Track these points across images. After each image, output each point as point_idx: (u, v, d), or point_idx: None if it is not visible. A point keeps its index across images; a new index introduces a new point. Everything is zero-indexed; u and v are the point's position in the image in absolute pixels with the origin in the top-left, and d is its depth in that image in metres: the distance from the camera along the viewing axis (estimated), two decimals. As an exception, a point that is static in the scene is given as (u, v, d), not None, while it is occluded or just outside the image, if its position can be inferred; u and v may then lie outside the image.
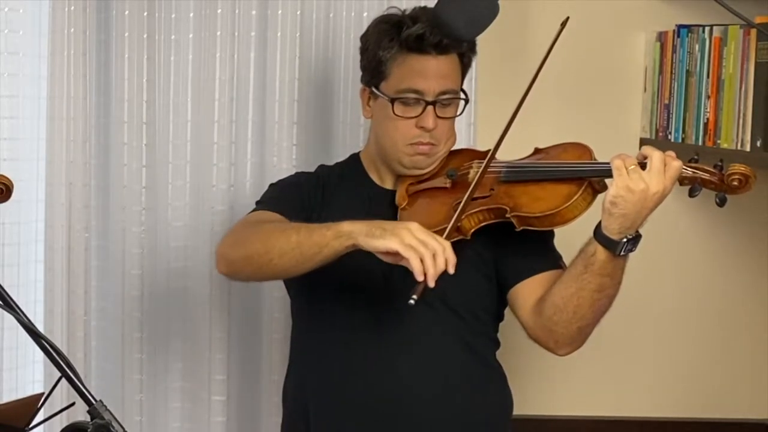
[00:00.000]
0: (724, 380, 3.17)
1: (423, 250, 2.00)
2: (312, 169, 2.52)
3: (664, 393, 3.16)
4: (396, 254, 2.02)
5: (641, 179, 2.03)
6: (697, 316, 3.16)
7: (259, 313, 2.93)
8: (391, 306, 2.27)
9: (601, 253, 2.10)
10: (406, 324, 2.28)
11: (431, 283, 2.00)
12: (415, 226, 2.03)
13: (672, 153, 2.07)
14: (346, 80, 2.87)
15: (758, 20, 2.50)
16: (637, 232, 2.09)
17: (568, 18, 2.27)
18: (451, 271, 2.02)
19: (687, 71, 2.86)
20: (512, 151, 2.31)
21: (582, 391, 3.14)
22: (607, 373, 3.14)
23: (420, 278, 2.00)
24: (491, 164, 2.25)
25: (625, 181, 2.04)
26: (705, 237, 3.13)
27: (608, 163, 2.07)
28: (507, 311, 2.38)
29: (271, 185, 2.48)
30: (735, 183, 2.06)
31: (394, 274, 2.20)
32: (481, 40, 2.35)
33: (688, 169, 2.08)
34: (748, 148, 2.59)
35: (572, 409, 3.15)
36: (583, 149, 2.23)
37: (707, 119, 2.76)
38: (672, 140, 2.90)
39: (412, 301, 2.01)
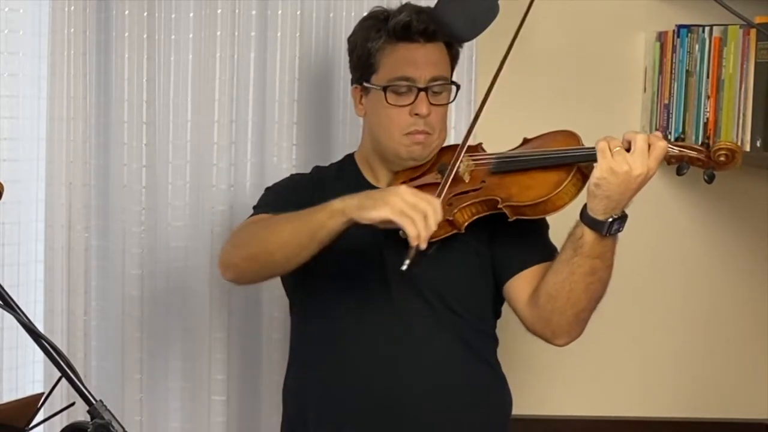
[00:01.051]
0: (724, 380, 3.17)
1: (414, 214, 2.01)
2: (310, 170, 2.52)
3: (663, 393, 3.16)
4: (390, 221, 2.03)
5: (625, 161, 2.04)
6: (697, 316, 3.16)
7: (259, 313, 2.93)
8: (390, 306, 2.28)
9: (588, 234, 2.11)
10: (405, 323, 2.28)
11: (423, 245, 2.01)
12: (403, 189, 2.05)
13: (658, 133, 2.08)
14: (346, 80, 2.85)
15: (758, 20, 2.50)
16: (623, 212, 2.09)
17: None
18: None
19: (687, 71, 2.86)
20: (508, 148, 2.31)
21: (581, 391, 3.14)
22: (606, 373, 3.13)
23: (414, 243, 2.01)
24: (481, 157, 2.27)
25: (609, 163, 2.04)
26: (705, 237, 3.13)
27: (594, 148, 2.08)
28: (503, 309, 2.38)
29: (267, 189, 2.48)
30: (722, 158, 2.06)
31: (391, 276, 2.21)
32: (481, 40, 2.34)
33: (675, 147, 2.09)
34: (748, 148, 2.59)
35: (571, 409, 3.14)
36: (571, 136, 2.24)
37: (707, 119, 2.76)
38: (672, 140, 2.90)
39: (404, 267, 2.01)
